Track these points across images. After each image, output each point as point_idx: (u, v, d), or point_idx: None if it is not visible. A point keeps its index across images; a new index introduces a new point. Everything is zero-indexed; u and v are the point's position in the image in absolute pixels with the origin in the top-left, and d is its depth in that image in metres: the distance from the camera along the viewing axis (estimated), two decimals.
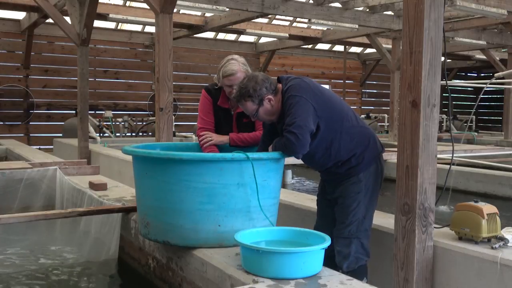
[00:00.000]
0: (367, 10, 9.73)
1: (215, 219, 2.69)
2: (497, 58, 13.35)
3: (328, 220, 3.03)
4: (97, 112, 12.01)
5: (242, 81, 2.92)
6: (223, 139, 3.31)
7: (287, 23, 12.44)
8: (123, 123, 11.21)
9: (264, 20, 11.84)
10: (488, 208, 2.59)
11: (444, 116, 14.10)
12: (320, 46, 15.30)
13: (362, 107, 16.86)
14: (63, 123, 10.98)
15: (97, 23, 9.49)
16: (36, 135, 11.86)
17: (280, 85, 2.91)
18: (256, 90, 2.82)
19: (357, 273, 2.80)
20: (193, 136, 9.97)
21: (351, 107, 3.30)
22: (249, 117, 3.32)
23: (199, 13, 10.55)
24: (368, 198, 2.91)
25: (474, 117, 16.01)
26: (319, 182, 3.24)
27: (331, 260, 2.75)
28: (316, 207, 3.24)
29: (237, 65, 3.21)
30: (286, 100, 2.81)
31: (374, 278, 2.92)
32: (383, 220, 3.16)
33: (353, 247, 2.84)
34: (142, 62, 13.08)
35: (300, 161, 3.15)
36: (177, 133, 10.71)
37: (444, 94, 13.12)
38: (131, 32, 12.71)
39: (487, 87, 5.74)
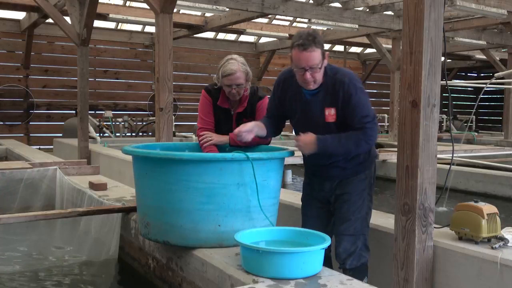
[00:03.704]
0: (367, 10, 9.73)
1: (215, 219, 2.69)
2: (497, 58, 13.35)
3: (322, 221, 2.93)
4: (97, 112, 12.01)
5: (304, 30, 2.67)
6: (223, 139, 3.30)
7: (287, 23, 12.44)
8: (123, 123, 11.21)
9: (264, 20, 11.84)
10: (488, 208, 2.59)
11: (444, 116, 14.11)
12: None
13: None
14: (63, 123, 10.98)
15: (97, 23, 9.49)
16: (36, 135, 11.86)
17: None
18: (322, 43, 2.62)
19: (360, 271, 2.80)
20: (193, 136, 9.97)
21: None
22: (249, 117, 3.33)
23: (199, 13, 10.55)
24: (370, 195, 2.92)
25: (474, 117, 16.01)
26: (307, 183, 3.07)
27: (326, 260, 2.71)
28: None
29: (237, 65, 3.21)
30: (347, 87, 2.64)
31: (374, 278, 2.92)
32: (383, 220, 3.16)
33: (358, 244, 2.81)
34: (142, 62, 13.08)
35: (300, 161, 3.13)
36: (177, 133, 10.71)
37: (444, 94, 13.11)
38: (131, 32, 12.71)
39: (487, 87, 5.74)
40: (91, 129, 9.10)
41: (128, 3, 10.65)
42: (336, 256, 2.86)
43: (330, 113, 2.71)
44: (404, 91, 2.62)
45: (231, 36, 13.98)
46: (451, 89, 16.37)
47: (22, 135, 11.59)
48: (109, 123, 11.03)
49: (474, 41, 11.37)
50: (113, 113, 11.34)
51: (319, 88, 2.71)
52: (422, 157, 2.57)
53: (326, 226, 2.92)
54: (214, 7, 8.04)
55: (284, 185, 7.58)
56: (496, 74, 5.35)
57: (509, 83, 8.59)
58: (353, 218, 2.82)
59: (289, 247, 2.34)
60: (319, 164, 2.88)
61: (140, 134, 11.65)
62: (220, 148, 3.29)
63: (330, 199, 2.94)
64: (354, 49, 16.21)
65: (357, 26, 9.89)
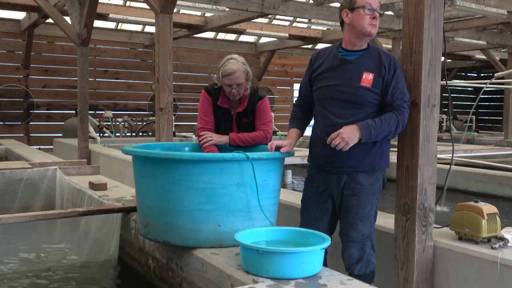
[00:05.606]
0: None
1: (215, 219, 2.69)
2: (497, 58, 13.34)
3: (327, 224, 2.82)
4: (97, 112, 12.01)
5: None
6: (223, 139, 3.31)
7: (287, 23, 12.45)
8: (123, 123, 11.20)
9: (264, 20, 11.84)
10: (488, 208, 2.59)
11: (444, 116, 14.10)
12: (320, 46, 15.29)
13: None
14: (63, 123, 10.98)
15: (97, 23, 9.49)
16: (36, 135, 11.86)
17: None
18: None
19: (368, 277, 2.69)
20: (193, 136, 9.97)
21: None
22: (249, 117, 3.33)
23: (199, 13, 10.55)
24: (378, 200, 2.77)
25: (474, 117, 16.01)
26: (309, 179, 2.89)
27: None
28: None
29: (237, 65, 3.21)
30: (394, 61, 2.63)
31: (374, 278, 2.92)
32: (383, 220, 3.15)
33: (366, 249, 2.70)
34: (142, 62, 13.08)
35: (300, 161, 3.11)
36: (177, 133, 10.71)
37: (444, 94, 13.11)
38: (131, 32, 12.71)
39: (487, 87, 5.74)
40: (91, 129, 9.10)
41: (128, 3, 10.66)
42: (343, 259, 2.75)
43: (368, 78, 2.61)
44: None
45: (231, 36, 13.98)
46: (451, 89, 16.37)
47: (22, 135, 11.59)
48: (109, 123, 11.03)
49: (474, 41, 11.37)
50: (113, 113, 11.34)
51: (362, 51, 2.70)
52: (422, 157, 2.57)
53: (332, 232, 2.82)
54: (214, 7, 8.04)
55: (284, 185, 7.58)
56: (496, 74, 5.36)
57: (509, 83, 8.59)
58: (362, 224, 2.68)
59: (289, 247, 2.34)
60: (335, 150, 2.55)
61: (140, 134, 11.65)
62: (220, 148, 3.29)
63: (337, 199, 2.74)
64: None
65: None
